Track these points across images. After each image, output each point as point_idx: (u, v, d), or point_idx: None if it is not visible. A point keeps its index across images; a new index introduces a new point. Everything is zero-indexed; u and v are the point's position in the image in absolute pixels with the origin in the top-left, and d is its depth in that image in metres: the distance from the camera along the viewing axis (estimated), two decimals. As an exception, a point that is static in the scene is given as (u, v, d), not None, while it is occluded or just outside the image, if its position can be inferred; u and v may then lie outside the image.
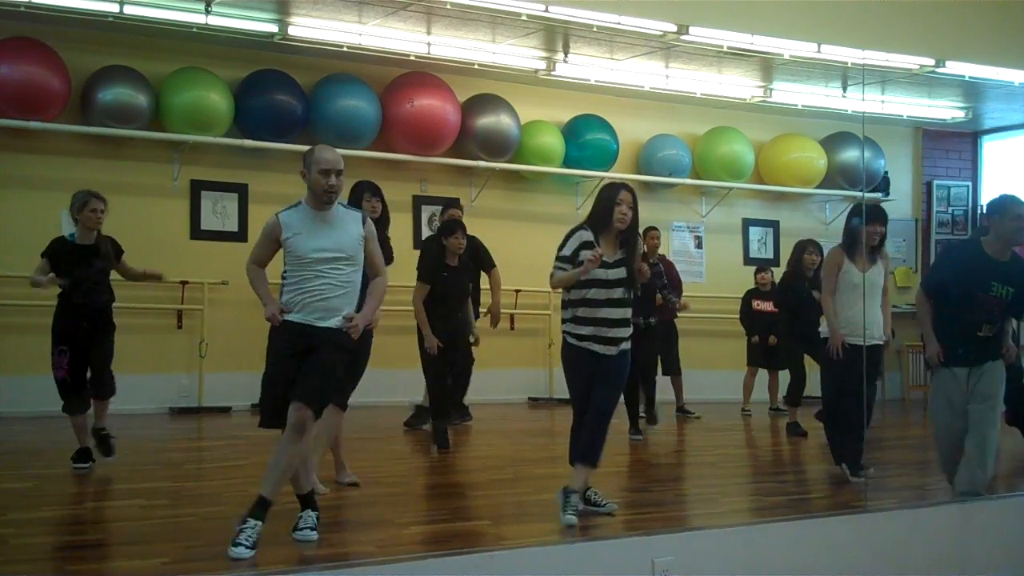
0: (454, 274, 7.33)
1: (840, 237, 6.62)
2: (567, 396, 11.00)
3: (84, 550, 4.47)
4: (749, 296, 10.14)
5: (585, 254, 5.06)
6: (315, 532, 4.47)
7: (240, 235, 9.73)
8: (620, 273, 5.14)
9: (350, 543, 4.46)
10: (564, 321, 5.24)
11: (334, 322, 4.51)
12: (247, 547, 4.16)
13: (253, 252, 4.72)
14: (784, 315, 8.79)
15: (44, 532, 4.79)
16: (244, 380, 9.61)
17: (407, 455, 6.96)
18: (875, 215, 6.54)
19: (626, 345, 5.19)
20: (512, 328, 10.58)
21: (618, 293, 5.14)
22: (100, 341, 6.31)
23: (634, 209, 5.16)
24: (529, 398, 10.69)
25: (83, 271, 6.20)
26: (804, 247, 8.79)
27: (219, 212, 9.73)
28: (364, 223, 4.62)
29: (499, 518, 5.09)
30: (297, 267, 4.54)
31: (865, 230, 6.34)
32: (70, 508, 5.45)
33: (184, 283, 9.38)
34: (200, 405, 9.40)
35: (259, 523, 4.26)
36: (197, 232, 9.64)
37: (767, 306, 9.94)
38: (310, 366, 4.45)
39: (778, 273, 10.58)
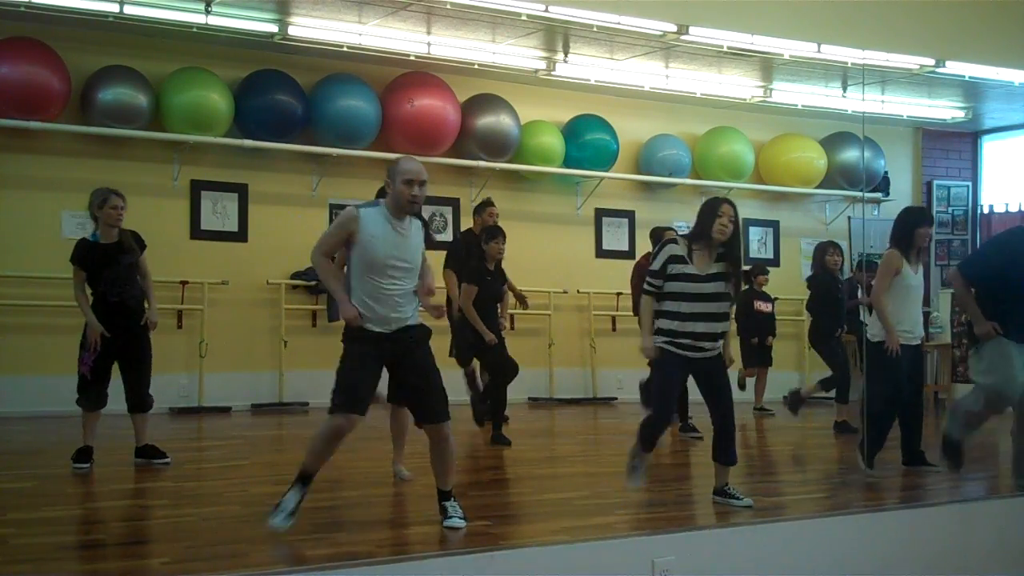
0: (493, 278, 7.53)
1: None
2: (567, 396, 11.10)
3: (84, 550, 4.47)
4: (749, 297, 10.14)
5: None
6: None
7: (240, 235, 9.74)
8: (717, 287, 5.23)
9: (350, 543, 4.45)
10: (657, 331, 5.32)
11: (405, 323, 4.64)
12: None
13: (322, 241, 4.73)
14: (823, 318, 8.83)
15: (44, 532, 4.78)
16: (244, 380, 9.66)
17: (407, 455, 6.94)
18: (929, 218, 6.65)
19: (712, 353, 5.29)
20: (512, 328, 10.57)
21: (712, 307, 5.23)
22: (138, 350, 6.32)
23: (735, 223, 5.28)
24: (529, 398, 10.69)
25: (112, 271, 6.20)
26: (824, 249, 8.88)
27: (219, 212, 9.73)
28: (425, 234, 4.79)
29: (499, 518, 5.09)
30: (369, 272, 4.60)
31: (918, 232, 6.40)
32: (70, 508, 5.44)
33: (184, 283, 9.39)
34: (200, 405, 9.40)
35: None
36: (197, 232, 9.64)
37: (767, 307, 9.98)
38: (422, 386, 4.70)
39: (775, 273, 10.56)
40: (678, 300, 5.24)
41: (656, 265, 5.32)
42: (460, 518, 4.70)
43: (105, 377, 6.27)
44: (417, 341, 4.68)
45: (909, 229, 6.44)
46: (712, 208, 5.32)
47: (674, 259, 5.27)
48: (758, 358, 9.97)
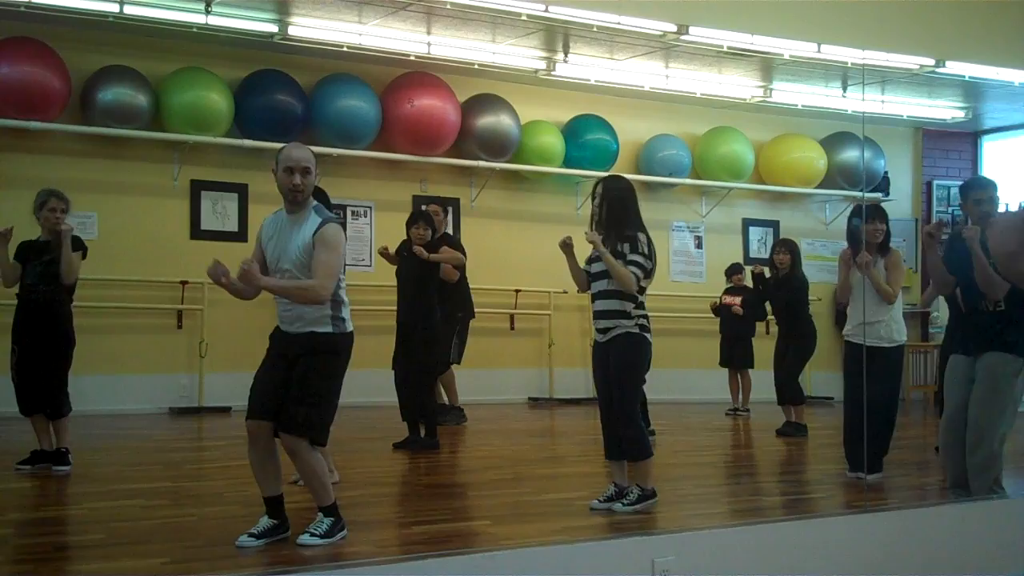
0: (408, 263, 7.36)
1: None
2: (567, 396, 11.11)
3: (84, 550, 4.47)
4: (723, 294, 10.19)
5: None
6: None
7: (240, 235, 9.73)
8: (599, 267, 5.28)
9: (350, 543, 4.45)
10: (632, 316, 5.29)
11: (309, 328, 4.37)
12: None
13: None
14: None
15: (44, 532, 4.79)
16: (244, 380, 9.46)
17: (407, 455, 6.95)
18: (874, 213, 6.53)
19: (605, 337, 5.30)
20: (512, 328, 10.58)
21: (600, 286, 5.29)
22: (50, 349, 6.15)
23: (603, 201, 5.28)
24: (529, 398, 10.69)
25: (31, 267, 6.21)
26: (773, 247, 8.97)
27: (219, 212, 9.73)
28: (317, 230, 4.32)
29: (499, 518, 5.09)
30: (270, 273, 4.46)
31: (866, 229, 6.33)
32: (70, 508, 5.45)
33: (184, 283, 9.38)
34: (200, 405, 9.40)
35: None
36: (197, 232, 9.64)
37: (732, 300, 9.98)
38: (292, 389, 4.33)
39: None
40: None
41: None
42: (312, 535, 4.35)
43: (25, 379, 6.13)
44: (305, 349, 4.34)
45: (856, 227, 6.43)
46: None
47: None
48: (738, 359, 9.94)
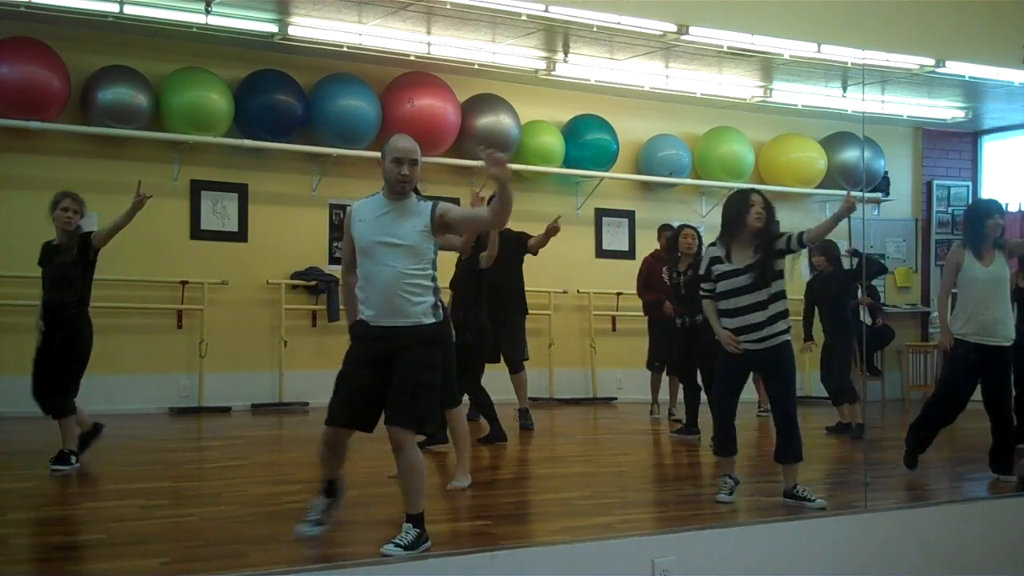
0: None
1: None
2: (567, 396, 11.08)
3: (84, 550, 4.47)
4: None
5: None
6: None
7: (240, 235, 9.74)
8: (752, 276, 5.41)
9: (350, 543, 4.45)
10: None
11: (412, 320, 4.31)
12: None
13: (342, 258, 4.58)
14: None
15: (44, 532, 4.79)
16: (244, 380, 9.66)
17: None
18: (995, 207, 6.44)
19: (777, 340, 5.47)
20: (512, 328, 10.56)
21: (760, 295, 5.40)
22: (63, 352, 6.21)
23: (768, 210, 5.40)
24: (529, 398, 10.67)
25: (49, 270, 6.23)
26: (810, 251, 8.93)
27: (219, 212, 9.73)
28: (433, 210, 4.40)
29: (499, 518, 5.09)
30: (363, 258, 4.36)
31: (988, 223, 6.24)
32: (70, 508, 5.45)
33: (184, 283, 9.39)
34: (200, 405, 9.40)
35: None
36: (197, 232, 9.64)
37: None
38: (397, 382, 4.27)
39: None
40: (727, 297, 5.46)
41: (702, 270, 5.62)
42: (396, 545, 4.16)
43: (41, 380, 6.21)
44: (406, 345, 4.28)
45: (980, 221, 6.29)
46: (741, 200, 5.45)
47: (714, 261, 5.50)
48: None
